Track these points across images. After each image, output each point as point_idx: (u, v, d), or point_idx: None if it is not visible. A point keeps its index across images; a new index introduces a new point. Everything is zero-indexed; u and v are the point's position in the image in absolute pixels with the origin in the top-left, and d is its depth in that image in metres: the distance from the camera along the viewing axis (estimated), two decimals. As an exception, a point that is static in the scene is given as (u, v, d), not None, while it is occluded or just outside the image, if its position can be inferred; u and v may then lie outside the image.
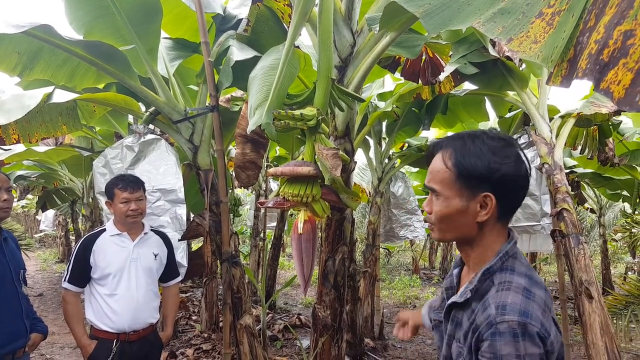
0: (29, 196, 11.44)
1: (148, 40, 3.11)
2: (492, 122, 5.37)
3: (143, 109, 3.62)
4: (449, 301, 1.16)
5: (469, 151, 1.08)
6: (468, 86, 4.45)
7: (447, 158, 1.11)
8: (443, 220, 1.13)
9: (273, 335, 5.66)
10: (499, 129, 5.38)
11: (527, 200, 4.33)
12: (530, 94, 4.13)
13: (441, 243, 12.75)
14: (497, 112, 5.02)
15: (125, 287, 2.44)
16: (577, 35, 1.24)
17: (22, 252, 2.50)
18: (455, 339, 1.13)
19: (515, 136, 4.51)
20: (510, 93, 4.35)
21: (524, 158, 1.11)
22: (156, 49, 3.23)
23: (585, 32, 1.23)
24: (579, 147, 5.03)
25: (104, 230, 2.55)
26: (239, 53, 2.82)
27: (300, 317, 6.57)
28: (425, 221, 1.18)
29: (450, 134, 6.33)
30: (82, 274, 2.45)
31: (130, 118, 4.88)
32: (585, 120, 4.38)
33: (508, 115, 4.98)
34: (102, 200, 2.98)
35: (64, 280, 2.47)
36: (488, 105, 4.89)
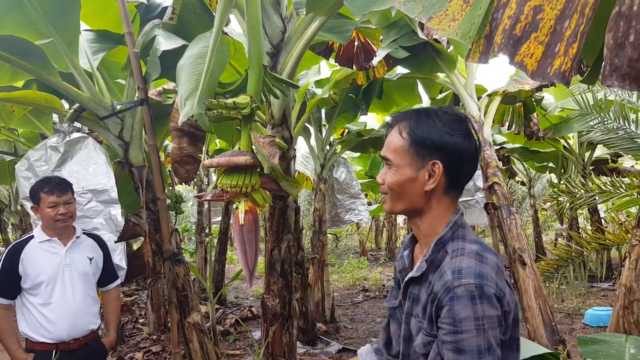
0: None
1: (67, 32, 2.91)
2: (424, 104, 5.56)
3: (67, 106, 3.41)
4: (407, 278, 1.17)
5: (423, 122, 1.12)
6: (401, 70, 4.56)
7: (402, 129, 1.14)
8: (394, 190, 1.15)
9: (225, 330, 5.59)
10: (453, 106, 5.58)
11: (461, 177, 4.53)
12: (459, 74, 4.30)
13: (386, 224, 13.12)
14: (429, 94, 5.20)
15: (60, 294, 2.31)
16: (492, 11, 1.29)
17: None
18: (413, 315, 1.14)
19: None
20: (440, 75, 4.51)
21: (475, 135, 1.14)
22: (76, 41, 3.04)
23: (499, 9, 1.28)
24: (507, 124, 5.33)
25: (32, 237, 2.39)
26: (165, 43, 2.71)
27: (252, 309, 6.53)
28: (381, 192, 1.19)
29: (387, 118, 6.46)
30: (11, 285, 2.29)
31: (56, 117, 4.57)
32: (511, 98, 4.64)
33: (439, 96, 5.17)
34: (28, 205, 2.78)
35: None
36: (420, 88, 5.05)
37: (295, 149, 2.94)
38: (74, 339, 2.34)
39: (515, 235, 3.85)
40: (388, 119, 1.09)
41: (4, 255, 2.34)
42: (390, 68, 4.01)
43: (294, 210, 2.91)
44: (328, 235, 7.72)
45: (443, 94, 5.15)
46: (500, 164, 4.39)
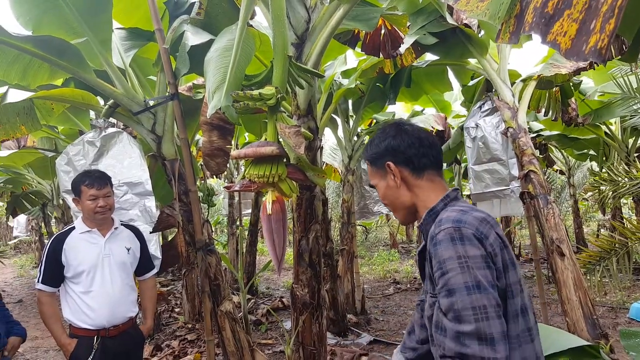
0: (-2, 203, 11.09)
1: (100, 31, 3.01)
2: (456, 91, 5.44)
3: (102, 102, 3.53)
4: (417, 256, 1.31)
5: (368, 147, 1.41)
6: (430, 57, 4.48)
7: (365, 159, 1.42)
8: (389, 204, 1.37)
9: (257, 320, 5.69)
10: (463, 98, 5.46)
11: (495, 166, 4.42)
12: (491, 60, 4.19)
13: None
14: (460, 81, 5.08)
15: (100, 283, 2.41)
16: (522, -11, 1.25)
17: None
18: (426, 291, 1.25)
19: (478, 103, 4.57)
20: (472, 61, 4.40)
21: (405, 129, 1.36)
22: (109, 40, 3.14)
23: (529, -13, 1.24)
24: (543, 110, 5.15)
25: (73, 228, 2.50)
26: (194, 38, 2.76)
27: (283, 299, 6.62)
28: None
29: (416, 107, 6.36)
30: (54, 273, 2.41)
31: (93, 114, 4.74)
32: (547, 82, 4.48)
33: (471, 83, 5.05)
34: (69, 198, 2.91)
35: (38, 281, 2.42)
36: (451, 75, 4.94)
37: (321, 140, 2.94)
38: (114, 326, 2.44)
39: (552, 225, 3.73)
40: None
41: (48, 246, 2.46)
42: (419, 55, 3.94)
43: (321, 201, 2.92)
44: (357, 227, 7.70)
45: (475, 80, 5.02)
46: (537, 152, 4.25)
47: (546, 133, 7.15)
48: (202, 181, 7.36)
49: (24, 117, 2.94)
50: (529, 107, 4.56)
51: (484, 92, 4.78)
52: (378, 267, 9.29)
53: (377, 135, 1.39)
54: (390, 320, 5.82)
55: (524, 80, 4.36)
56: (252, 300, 6.70)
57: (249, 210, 7.90)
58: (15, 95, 2.60)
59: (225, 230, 9.25)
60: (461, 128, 5.27)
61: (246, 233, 7.45)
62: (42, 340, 5.57)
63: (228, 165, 6.45)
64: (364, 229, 13.88)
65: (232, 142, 4.78)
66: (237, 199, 7.70)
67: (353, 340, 4.89)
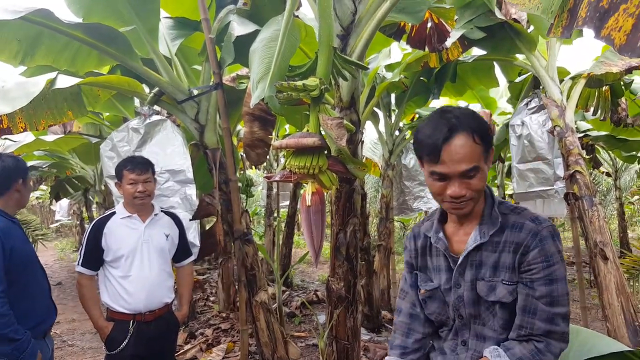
0: (43, 187, 11.58)
1: (148, 20, 3.07)
2: (502, 87, 5.26)
3: (147, 90, 3.61)
4: (473, 246, 1.31)
5: (482, 124, 1.25)
6: (476, 52, 4.35)
7: (475, 137, 1.20)
8: (480, 191, 1.28)
9: (291, 312, 5.73)
10: (509, 95, 5.27)
11: (540, 165, 4.27)
12: (539, 56, 4.02)
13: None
14: (507, 77, 4.91)
15: (138, 268, 2.45)
16: (575, -17, 1.20)
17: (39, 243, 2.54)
18: (479, 279, 1.31)
19: (525, 100, 4.41)
20: (519, 57, 4.24)
21: None
22: (157, 28, 3.19)
23: (585, -20, 1.18)
24: (592, 109, 4.92)
25: (114, 213, 2.56)
26: (239, 28, 2.77)
27: (317, 293, 6.63)
28: (462, 202, 1.26)
29: (461, 102, 6.21)
30: (94, 257, 2.47)
31: (137, 102, 4.87)
32: (597, 81, 4.27)
33: (518, 79, 4.87)
34: (111, 183, 3.00)
35: (78, 264, 2.49)
36: (498, 71, 4.78)
37: (363, 133, 2.90)
38: (150, 311, 2.47)
39: (597, 228, 3.57)
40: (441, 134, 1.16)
41: (89, 229, 2.51)
42: (465, 50, 3.82)
43: (360, 195, 2.88)
44: (395, 223, 7.61)
45: (522, 77, 4.84)
46: (583, 152, 4.06)
47: (594, 133, 6.83)
48: (241, 172, 7.45)
49: (71, 103, 3.02)
50: (577, 106, 4.36)
51: (531, 89, 4.60)
52: (413, 265, 9.14)
53: (478, 116, 1.27)
54: (424, 319, 5.72)
55: (573, 78, 4.17)
56: (287, 293, 6.74)
57: (287, 202, 7.94)
58: (64, 81, 2.68)
59: (262, 222, 9.34)
60: (506, 125, 5.11)
61: (283, 225, 7.50)
62: (79, 323, 5.79)
63: (268, 157, 6.50)
64: (402, 225, 13.72)
65: (273, 134, 4.80)
66: (275, 190, 7.75)
67: (387, 337, 4.84)
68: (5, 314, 1.94)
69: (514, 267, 1.26)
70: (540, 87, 4.25)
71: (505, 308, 1.29)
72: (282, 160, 8.05)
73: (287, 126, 7.23)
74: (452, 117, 1.21)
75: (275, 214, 7.67)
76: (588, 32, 1.22)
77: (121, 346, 2.41)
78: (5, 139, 6.48)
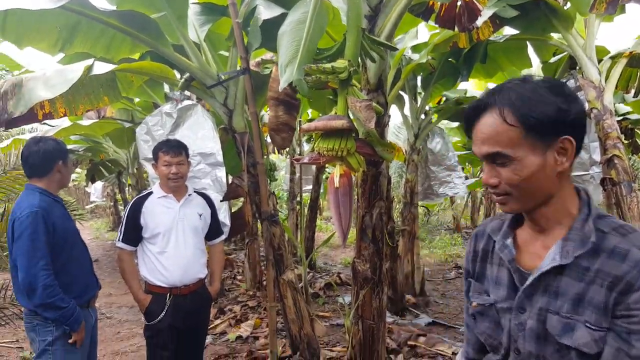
0: (78, 170, 12.01)
1: (177, 6, 3.13)
2: (535, 68, 5.11)
3: (178, 76, 3.69)
4: (549, 266, 0.99)
5: (530, 99, 0.94)
6: (508, 31, 4.23)
7: (505, 115, 0.95)
8: (522, 187, 0.98)
9: (315, 293, 5.82)
10: (542, 76, 5.12)
11: (574, 149, 4.16)
12: (577, 34, 3.88)
13: (483, 201, 12.51)
14: (541, 57, 4.76)
15: (174, 245, 2.57)
16: (623, -45, 1.15)
17: (76, 222, 2.68)
18: (552, 311, 0.98)
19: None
20: (555, 35, 4.11)
21: (574, 94, 0.99)
22: (185, 15, 3.25)
23: (632, -49, 1.14)
24: (632, 91, 4.73)
25: (152, 192, 2.68)
26: (266, 12, 2.79)
27: (340, 275, 6.71)
28: (497, 194, 1.01)
29: (490, 84, 6.05)
30: (133, 234, 2.60)
31: (167, 88, 4.97)
32: (639, 60, 4.10)
33: (552, 59, 4.71)
34: (147, 165, 3.11)
35: (118, 240, 2.63)
36: (531, 51, 4.64)
37: (390, 116, 2.90)
38: (185, 285, 2.61)
39: (635, 215, 3.46)
40: (485, 95, 0.94)
41: (128, 208, 2.66)
42: (497, 29, 3.72)
43: (387, 178, 2.89)
44: (419, 208, 7.58)
45: (557, 57, 4.68)
46: (622, 136, 3.92)
47: (634, 116, 6.57)
48: (265, 156, 7.52)
49: (107, 88, 3.13)
50: (616, 87, 4.20)
51: (566, 69, 4.46)
52: (439, 251, 9.13)
53: (542, 87, 0.96)
54: (451, 304, 5.73)
55: (612, 58, 4.00)
56: (310, 274, 6.84)
57: (310, 187, 8.01)
58: (100, 68, 2.78)
59: (285, 206, 9.45)
60: (538, 108, 4.97)
61: (305, 209, 7.58)
62: (116, 297, 6.06)
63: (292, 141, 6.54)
64: (426, 210, 13.61)
65: (297, 118, 4.83)
66: (298, 174, 7.82)
67: (411, 321, 4.88)
68: (50, 284, 2.09)
69: (606, 308, 0.93)
70: (577, 67, 4.12)
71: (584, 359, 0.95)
72: (305, 145, 8.09)
73: (309, 110, 7.24)
74: (499, 89, 0.99)
75: (298, 198, 7.76)
76: (633, 8, 1.13)
77: (159, 317, 2.55)
78: (44, 124, 6.76)
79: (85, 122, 5.93)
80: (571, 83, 4.14)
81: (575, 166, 4.15)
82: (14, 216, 2.15)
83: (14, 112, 2.54)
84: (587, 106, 3.86)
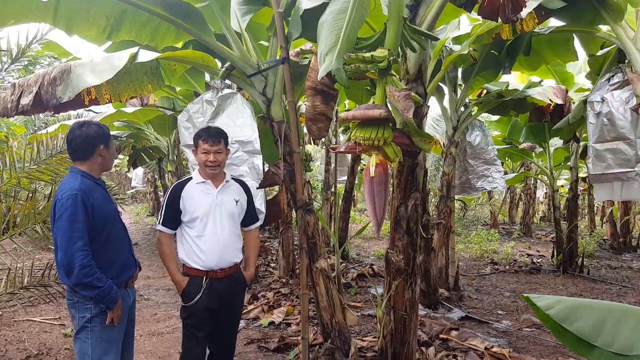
0: (120, 156, 12.47)
1: (220, -5, 3.19)
2: (581, 61, 4.92)
3: (219, 65, 3.76)
4: None
5: None
6: (554, 23, 4.09)
7: None
8: None
9: (347, 283, 5.86)
10: (588, 69, 4.93)
11: (620, 145, 3.98)
12: (627, 26, 3.72)
13: (523, 197, 12.18)
14: (587, 51, 4.58)
15: (211, 229, 2.65)
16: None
17: (117, 206, 2.79)
18: None
19: (607, 75, 4.11)
20: (603, 28, 3.95)
21: None
22: (228, 4, 3.31)
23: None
24: (686, 86, 4.48)
25: (191, 178, 2.76)
26: (307, 1, 2.80)
27: (373, 267, 6.72)
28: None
29: (534, 77, 5.86)
30: (173, 217, 2.70)
31: (207, 77, 5.09)
32: (694, 54, 3.88)
33: (600, 52, 4.53)
34: (188, 152, 3.21)
35: (158, 223, 2.74)
36: (577, 43, 4.47)
37: (428, 107, 2.87)
38: (221, 269, 2.68)
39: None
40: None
41: (168, 192, 2.75)
42: (542, 20, 3.61)
43: (423, 170, 2.87)
44: (456, 202, 7.46)
45: (604, 50, 4.49)
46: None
47: (687, 113, 6.22)
48: (301, 146, 7.58)
49: (151, 76, 3.23)
50: (669, 82, 3.99)
51: (614, 63, 4.27)
52: (475, 246, 8.98)
53: None
54: (485, 299, 5.64)
55: (666, 50, 3.81)
56: (343, 265, 6.88)
57: (344, 178, 8.02)
58: (145, 56, 2.87)
59: (320, 196, 9.52)
60: (584, 102, 4.80)
61: (340, 200, 7.61)
62: (154, 280, 6.29)
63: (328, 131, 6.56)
64: (462, 205, 13.38)
65: (334, 108, 4.84)
66: (333, 165, 7.85)
67: (443, 314, 4.85)
68: (87, 264, 2.17)
69: None
70: (626, 60, 3.94)
71: None
72: (341, 136, 8.10)
73: (346, 101, 7.23)
74: None
75: (333, 189, 7.79)
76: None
77: (195, 299, 2.63)
78: (90, 110, 7.05)
79: (129, 109, 6.15)
80: (619, 77, 3.97)
81: (619, 162, 4.03)
82: (56, 198, 2.24)
83: (62, 97, 2.66)
84: (634, 101, 3.70)
